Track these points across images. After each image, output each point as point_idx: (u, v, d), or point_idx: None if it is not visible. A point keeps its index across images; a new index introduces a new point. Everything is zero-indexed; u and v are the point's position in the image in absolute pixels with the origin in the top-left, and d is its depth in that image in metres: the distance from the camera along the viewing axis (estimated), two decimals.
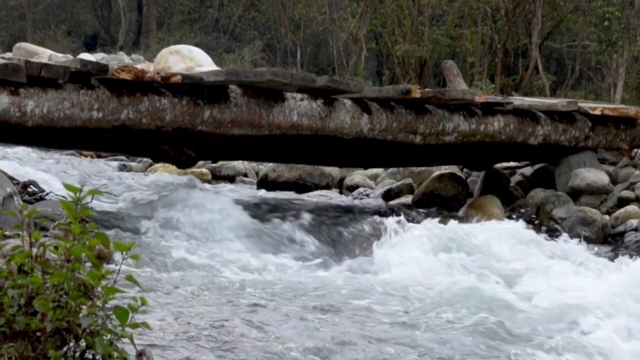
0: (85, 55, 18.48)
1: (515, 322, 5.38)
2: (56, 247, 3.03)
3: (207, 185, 10.87)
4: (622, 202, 9.50)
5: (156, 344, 4.01)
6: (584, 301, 5.89)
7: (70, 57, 18.45)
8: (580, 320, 5.44)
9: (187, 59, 11.39)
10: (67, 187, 3.14)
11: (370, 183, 12.25)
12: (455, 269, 6.95)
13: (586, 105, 10.24)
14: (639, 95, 21.08)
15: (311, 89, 8.14)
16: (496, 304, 5.78)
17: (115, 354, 2.98)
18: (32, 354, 2.90)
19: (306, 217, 8.54)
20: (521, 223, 8.41)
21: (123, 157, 13.27)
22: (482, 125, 9.17)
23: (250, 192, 11.11)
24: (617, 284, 6.41)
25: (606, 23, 20.32)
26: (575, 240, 8.05)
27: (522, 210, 9.54)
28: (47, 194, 7.96)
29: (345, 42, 27.18)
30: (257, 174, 13.02)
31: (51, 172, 10.99)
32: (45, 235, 3.23)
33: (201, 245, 7.21)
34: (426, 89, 9.35)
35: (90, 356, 2.99)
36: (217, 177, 12.77)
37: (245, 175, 13.04)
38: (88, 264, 3.04)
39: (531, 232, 8.19)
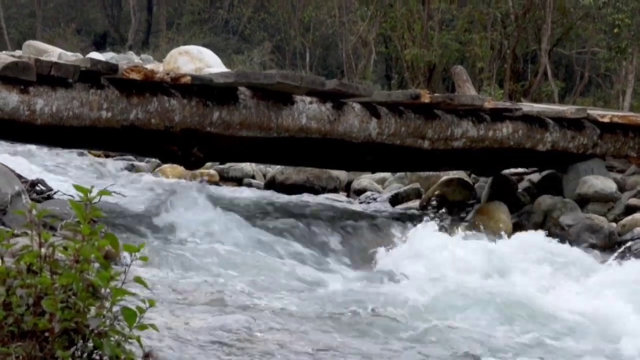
0: (95, 54, 18.50)
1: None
2: (65, 248, 3.04)
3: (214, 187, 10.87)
4: (630, 209, 9.51)
5: (163, 345, 4.01)
6: None
7: (79, 55, 18.47)
8: None
9: (197, 59, 11.41)
10: (77, 187, 3.14)
11: (378, 187, 12.26)
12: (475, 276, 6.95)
13: (595, 112, 10.25)
14: None
15: (320, 92, 8.15)
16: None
17: (123, 355, 2.99)
18: (40, 354, 2.91)
19: (317, 220, 8.56)
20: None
21: (131, 157, 13.28)
22: (490, 131, 9.18)
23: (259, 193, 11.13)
24: None
25: (616, 30, 20.30)
26: None
27: (529, 217, 9.53)
28: (55, 192, 7.95)
29: (354, 45, 27.19)
30: (264, 175, 13.02)
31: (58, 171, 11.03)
32: (53, 235, 3.23)
33: (210, 248, 7.19)
34: (435, 94, 9.37)
35: (97, 357, 3.00)
36: (225, 179, 12.78)
37: (253, 177, 13.05)
38: (96, 265, 3.04)
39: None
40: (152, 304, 3.05)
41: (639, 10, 20.06)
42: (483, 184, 10.46)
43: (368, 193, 11.90)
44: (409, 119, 8.68)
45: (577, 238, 8.80)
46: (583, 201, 9.61)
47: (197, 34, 36.05)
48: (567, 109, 10.00)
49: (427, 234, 7.95)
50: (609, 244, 8.91)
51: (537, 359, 4.92)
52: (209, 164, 11.88)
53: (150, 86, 7.32)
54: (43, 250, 3.01)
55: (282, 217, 8.63)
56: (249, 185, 12.67)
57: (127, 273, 3.07)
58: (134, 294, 3.05)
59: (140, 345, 3.04)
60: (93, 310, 2.98)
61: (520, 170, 10.93)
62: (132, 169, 12.95)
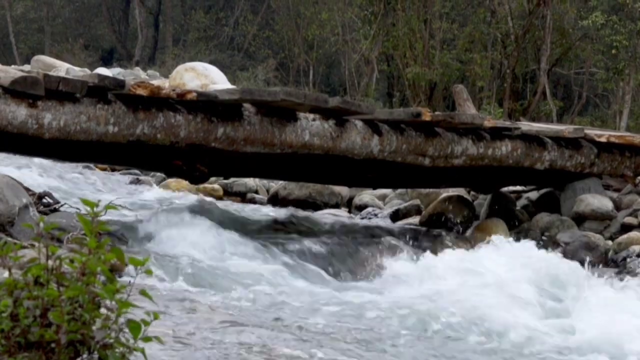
0: (102, 70, 18.63)
1: None
2: (72, 260, 3.02)
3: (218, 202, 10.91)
4: (625, 228, 9.54)
5: (168, 357, 4.04)
6: None
7: (87, 70, 18.62)
8: None
9: (202, 76, 11.50)
10: (84, 201, 3.12)
11: (379, 203, 12.28)
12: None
13: (592, 132, 10.28)
14: None
15: (323, 110, 8.19)
16: None
17: None
18: None
19: (320, 235, 8.61)
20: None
21: (137, 171, 13.35)
22: (490, 149, 9.22)
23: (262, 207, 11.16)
24: None
25: (613, 51, 20.37)
26: None
27: (527, 234, 9.59)
28: (62, 205, 8.03)
29: (357, 63, 27.25)
30: (267, 191, 13.08)
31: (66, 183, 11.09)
32: (59, 247, 3.26)
33: (215, 261, 7.22)
34: (436, 113, 9.40)
35: None
36: (229, 194, 12.84)
37: (257, 192, 13.10)
38: (102, 277, 3.02)
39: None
40: (156, 316, 3.01)
41: (637, 32, 20.13)
42: (482, 201, 10.47)
43: (369, 209, 11.91)
44: (410, 136, 8.73)
45: (573, 255, 8.84)
46: (580, 219, 9.65)
47: (203, 51, 36.18)
48: (565, 129, 10.01)
49: (430, 249, 8.02)
50: (605, 262, 9.00)
51: None
52: (213, 179, 11.95)
53: (156, 102, 7.37)
54: (50, 262, 3.00)
55: (287, 232, 8.67)
56: (253, 200, 12.74)
57: (133, 286, 3.05)
58: (139, 307, 3.04)
59: (145, 357, 3.01)
60: (99, 322, 2.97)
61: (518, 188, 10.96)
62: (137, 182, 13.03)
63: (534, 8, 21.40)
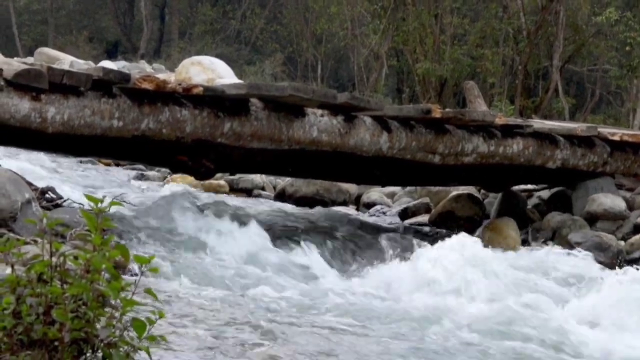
0: (107, 63, 18.56)
1: None
2: (76, 257, 3.03)
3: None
4: (638, 228, 9.47)
5: (172, 356, 4.01)
6: None
7: (91, 64, 18.55)
8: None
9: (209, 70, 11.41)
10: (88, 197, 3.13)
11: (388, 201, 12.26)
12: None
13: (605, 130, 10.23)
14: None
15: (332, 106, 8.13)
16: None
17: None
18: None
19: (328, 234, 8.56)
20: None
21: (141, 166, 13.30)
22: (501, 147, 9.16)
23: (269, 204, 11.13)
24: None
25: (627, 48, 20.33)
26: None
27: (538, 233, 9.52)
28: (65, 200, 7.98)
29: (366, 58, 27.21)
30: (274, 187, 13.03)
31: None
32: (62, 243, 3.23)
33: (220, 259, 7.19)
34: (446, 109, 9.36)
35: None
36: (235, 190, 12.79)
37: (263, 188, 13.06)
38: (107, 275, 3.03)
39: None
40: (161, 315, 3.04)
41: None
42: (492, 200, 10.44)
43: (377, 207, 11.90)
44: (420, 133, 8.67)
45: None
46: (592, 219, 9.59)
47: (209, 44, 36.16)
48: (578, 127, 9.98)
49: (439, 249, 7.96)
50: (617, 263, 8.90)
51: None
52: (219, 175, 11.88)
53: (162, 96, 7.31)
54: (54, 259, 3.01)
55: (294, 229, 8.62)
56: (259, 196, 12.68)
57: (138, 284, 3.06)
58: (144, 305, 3.04)
59: (149, 356, 3.02)
60: (103, 320, 2.98)
61: (529, 186, 10.91)
62: (141, 178, 12.98)
63: (547, 3, 21.34)
